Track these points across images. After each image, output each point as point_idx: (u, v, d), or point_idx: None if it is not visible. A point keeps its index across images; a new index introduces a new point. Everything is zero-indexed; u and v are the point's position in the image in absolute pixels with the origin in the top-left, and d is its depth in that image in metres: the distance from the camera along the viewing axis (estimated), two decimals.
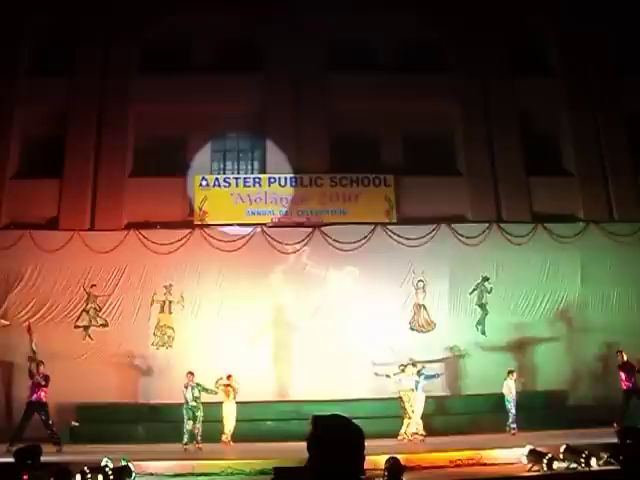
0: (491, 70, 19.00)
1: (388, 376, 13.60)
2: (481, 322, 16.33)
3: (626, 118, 18.84)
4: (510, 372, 14.35)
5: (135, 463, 9.73)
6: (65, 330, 15.55)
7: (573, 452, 9.59)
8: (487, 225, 17.00)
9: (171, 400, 13.73)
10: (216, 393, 13.39)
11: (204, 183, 17.52)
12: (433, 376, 13.99)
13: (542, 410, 15.11)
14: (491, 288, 16.30)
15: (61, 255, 15.88)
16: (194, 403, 12.92)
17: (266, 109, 18.48)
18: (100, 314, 15.90)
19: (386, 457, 6.95)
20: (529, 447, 9.96)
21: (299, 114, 18.18)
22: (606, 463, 9.26)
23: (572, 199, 18.14)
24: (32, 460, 6.00)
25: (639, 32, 18.83)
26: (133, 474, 9.53)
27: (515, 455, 10.31)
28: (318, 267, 16.45)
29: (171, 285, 15.95)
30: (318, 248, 16.52)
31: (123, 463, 9.52)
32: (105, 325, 15.88)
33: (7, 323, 15.53)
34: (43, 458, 6.27)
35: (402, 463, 7.06)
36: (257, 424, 14.19)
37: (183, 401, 12.96)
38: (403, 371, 13.56)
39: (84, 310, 15.89)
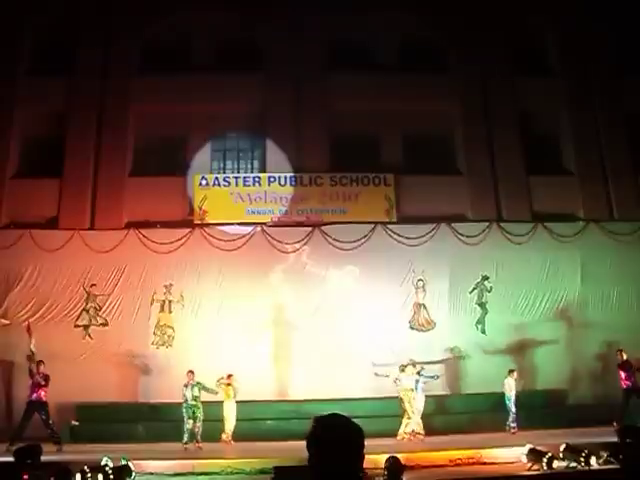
0: (491, 70, 18.98)
1: (388, 376, 13.61)
2: (481, 321, 16.36)
3: (626, 118, 18.83)
4: (511, 371, 14.45)
5: (135, 462, 9.76)
6: (65, 329, 15.57)
7: (573, 451, 9.61)
8: (487, 224, 17.02)
9: (171, 399, 13.74)
10: (217, 393, 13.40)
11: (204, 182, 17.51)
12: (432, 377, 14.05)
13: (542, 409, 15.12)
14: (491, 287, 16.33)
15: (61, 254, 15.89)
16: (193, 402, 12.93)
17: (266, 109, 18.46)
18: (100, 313, 15.92)
19: (386, 456, 6.93)
20: (529, 446, 9.97)
21: (299, 114, 18.17)
22: (606, 462, 9.28)
23: (572, 198, 18.13)
24: (32, 459, 5.99)
25: (639, 32, 18.83)
26: (133, 473, 9.56)
27: (515, 454, 10.32)
28: (318, 266, 16.45)
29: (171, 284, 15.97)
30: (318, 247, 16.53)
31: (123, 462, 9.54)
32: (105, 324, 15.90)
33: (7, 322, 15.55)
34: (43, 457, 6.26)
35: (402, 462, 7.05)
36: (257, 423, 14.21)
37: (182, 400, 12.98)
38: (403, 371, 13.58)
39: (84, 309, 15.91)
